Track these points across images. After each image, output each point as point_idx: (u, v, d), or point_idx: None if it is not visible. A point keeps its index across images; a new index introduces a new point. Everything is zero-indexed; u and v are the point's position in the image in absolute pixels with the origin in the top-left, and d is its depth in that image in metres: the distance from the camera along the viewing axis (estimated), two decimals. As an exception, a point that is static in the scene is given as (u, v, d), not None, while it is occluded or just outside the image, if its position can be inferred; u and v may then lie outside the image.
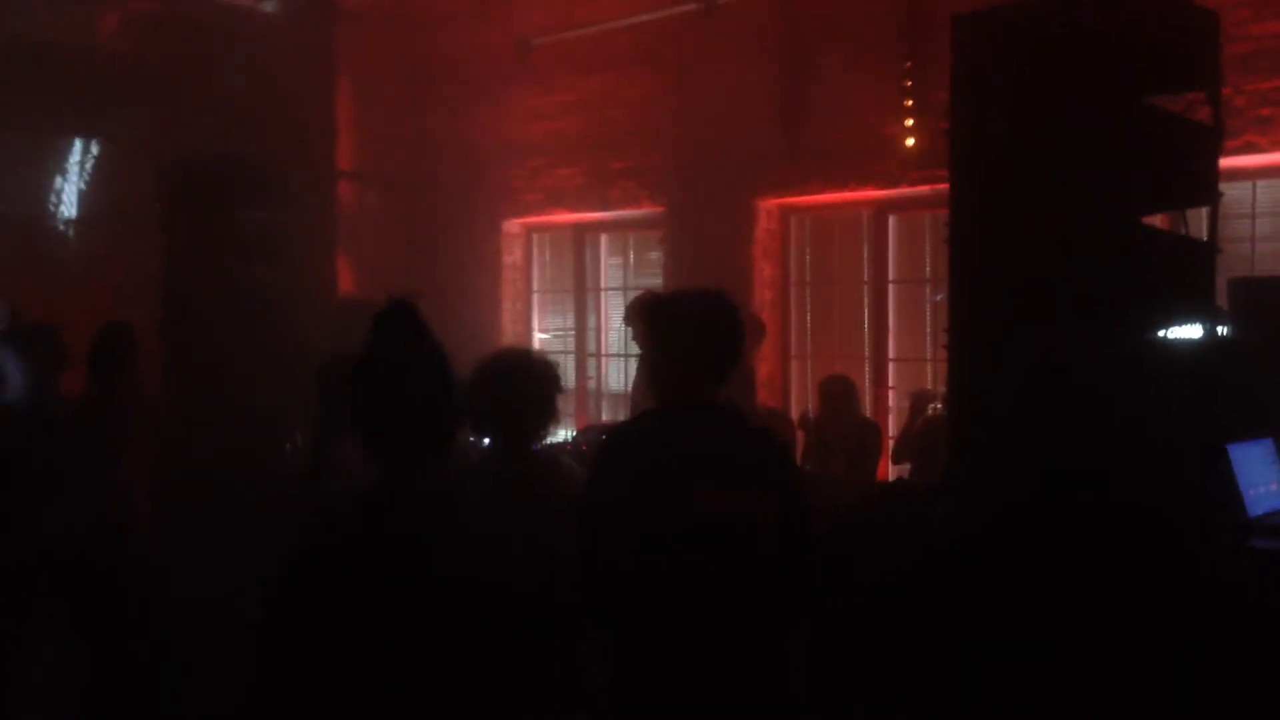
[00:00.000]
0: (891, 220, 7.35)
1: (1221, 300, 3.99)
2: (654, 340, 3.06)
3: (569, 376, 9.26)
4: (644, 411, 3.07)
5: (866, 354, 7.43)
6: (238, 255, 7.42)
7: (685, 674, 2.74)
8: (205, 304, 7.28)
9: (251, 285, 7.41)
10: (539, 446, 3.62)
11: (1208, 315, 3.64)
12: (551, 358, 3.79)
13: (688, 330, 3.00)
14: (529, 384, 3.44)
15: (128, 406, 5.47)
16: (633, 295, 7.36)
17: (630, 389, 7.25)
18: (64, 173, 10.57)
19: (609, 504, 2.84)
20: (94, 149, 10.48)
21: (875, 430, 6.67)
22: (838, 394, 6.45)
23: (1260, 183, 5.77)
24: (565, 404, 3.84)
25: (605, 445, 3.04)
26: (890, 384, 7.33)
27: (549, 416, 3.47)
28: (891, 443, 6.87)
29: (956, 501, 3.70)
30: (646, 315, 3.13)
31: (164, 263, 7.51)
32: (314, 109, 9.57)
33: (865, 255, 7.50)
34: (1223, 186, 3.78)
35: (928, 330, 7.25)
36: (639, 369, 6.89)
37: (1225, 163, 4.08)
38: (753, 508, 2.82)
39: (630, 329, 6.78)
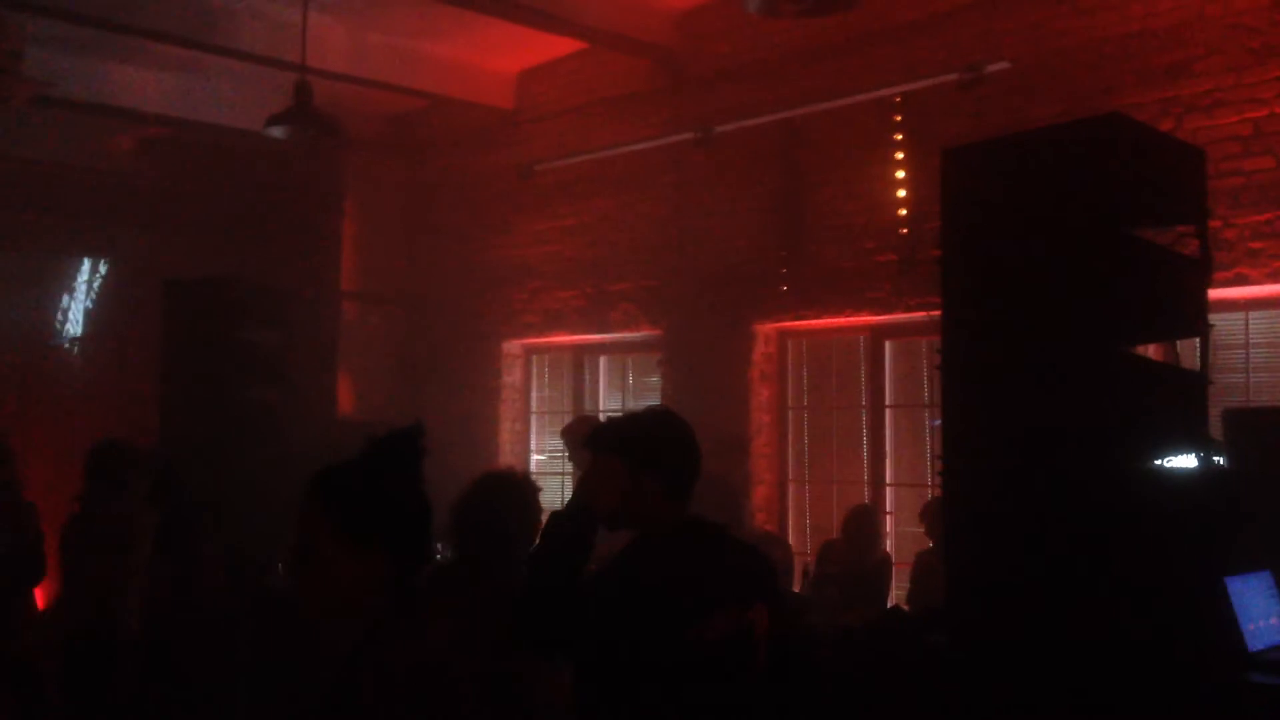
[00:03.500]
0: (888, 345, 7.39)
1: (1216, 431, 3.99)
2: (636, 462, 2.88)
3: (567, 498, 9.21)
4: (646, 537, 2.89)
5: (865, 478, 7.39)
6: (240, 375, 7.48)
7: None
8: (205, 422, 7.31)
9: (253, 404, 7.45)
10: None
11: (1202, 445, 3.63)
12: (535, 478, 3.78)
13: (672, 449, 2.93)
14: (509, 506, 3.42)
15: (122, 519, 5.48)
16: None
17: None
18: (71, 291, 10.70)
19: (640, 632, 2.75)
20: (102, 268, 10.64)
21: (889, 563, 6.58)
22: (862, 526, 6.37)
23: (1253, 313, 5.81)
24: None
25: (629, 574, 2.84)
26: (889, 509, 7.28)
27: (530, 539, 3.45)
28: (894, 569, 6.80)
29: (951, 631, 3.64)
30: (614, 439, 3.02)
31: (164, 381, 7.56)
32: (320, 232, 9.76)
33: (863, 380, 7.52)
34: (1216, 317, 3.81)
35: (927, 455, 7.22)
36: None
37: (1217, 294, 4.13)
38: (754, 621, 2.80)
39: (568, 450, 6.75)
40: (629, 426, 2.99)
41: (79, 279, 10.68)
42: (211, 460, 7.19)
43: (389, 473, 2.21)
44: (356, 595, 2.16)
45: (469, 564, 3.54)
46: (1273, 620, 3.59)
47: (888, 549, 7.03)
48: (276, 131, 6.79)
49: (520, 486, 3.62)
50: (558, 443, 9.40)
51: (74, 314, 10.77)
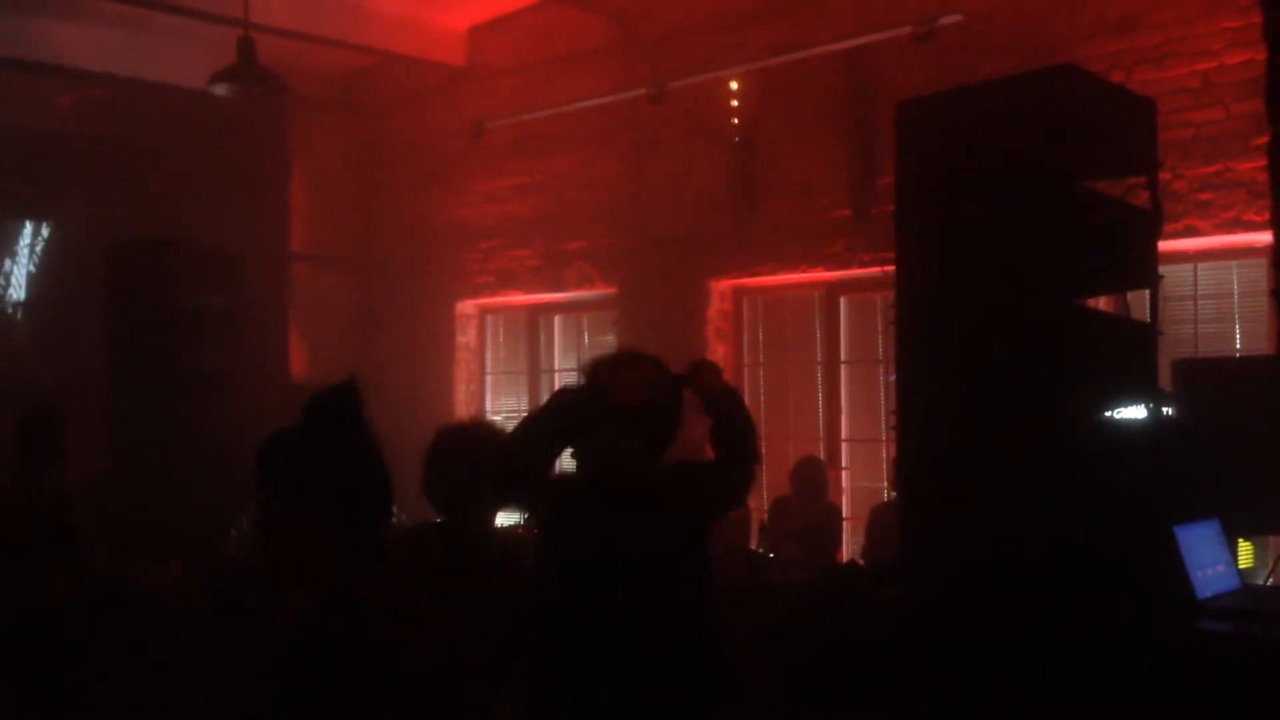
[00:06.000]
0: (843, 301, 7.40)
1: (1166, 381, 4.02)
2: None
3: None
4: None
5: (820, 435, 7.42)
6: (186, 337, 7.37)
7: None
8: (152, 385, 7.19)
9: (202, 369, 7.35)
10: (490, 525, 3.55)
11: (1151, 396, 3.66)
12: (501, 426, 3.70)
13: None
14: (470, 456, 3.34)
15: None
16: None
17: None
18: (13, 255, 10.47)
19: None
20: (44, 232, 10.41)
21: (837, 513, 6.65)
22: (809, 477, 6.43)
23: (1201, 265, 5.86)
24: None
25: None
26: (844, 465, 7.32)
27: (492, 489, 3.37)
28: (848, 525, 6.85)
29: (906, 584, 3.67)
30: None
31: (110, 346, 7.44)
32: (268, 192, 9.60)
33: (818, 336, 7.53)
34: (1164, 269, 3.83)
35: (882, 410, 7.26)
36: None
37: (1166, 246, 4.15)
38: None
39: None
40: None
41: (21, 242, 10.44)
42: (161, 427, 7.10)
43: (328, 434, 2.15)
44: (316, 563, 2.12)
45: (438, 527, 3.48)
46: (1220, 568, 3.64)
47: (843, 503, 7.09)
48: (220, 89, 6.65)
49: (487, 439, 3.55)
50: (513, 402, 9.38)
51: (16, 278, 10.53)
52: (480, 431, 3.56)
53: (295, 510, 2.12)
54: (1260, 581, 4.13)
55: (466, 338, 9.47)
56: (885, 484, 6.89)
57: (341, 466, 2.15)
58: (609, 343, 8.46)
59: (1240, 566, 3.82)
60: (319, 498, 2.12)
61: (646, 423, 3.05)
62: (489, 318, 9.54)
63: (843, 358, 7.41)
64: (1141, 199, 3.78)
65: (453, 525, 3.39)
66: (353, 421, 2.16)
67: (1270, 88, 2.69)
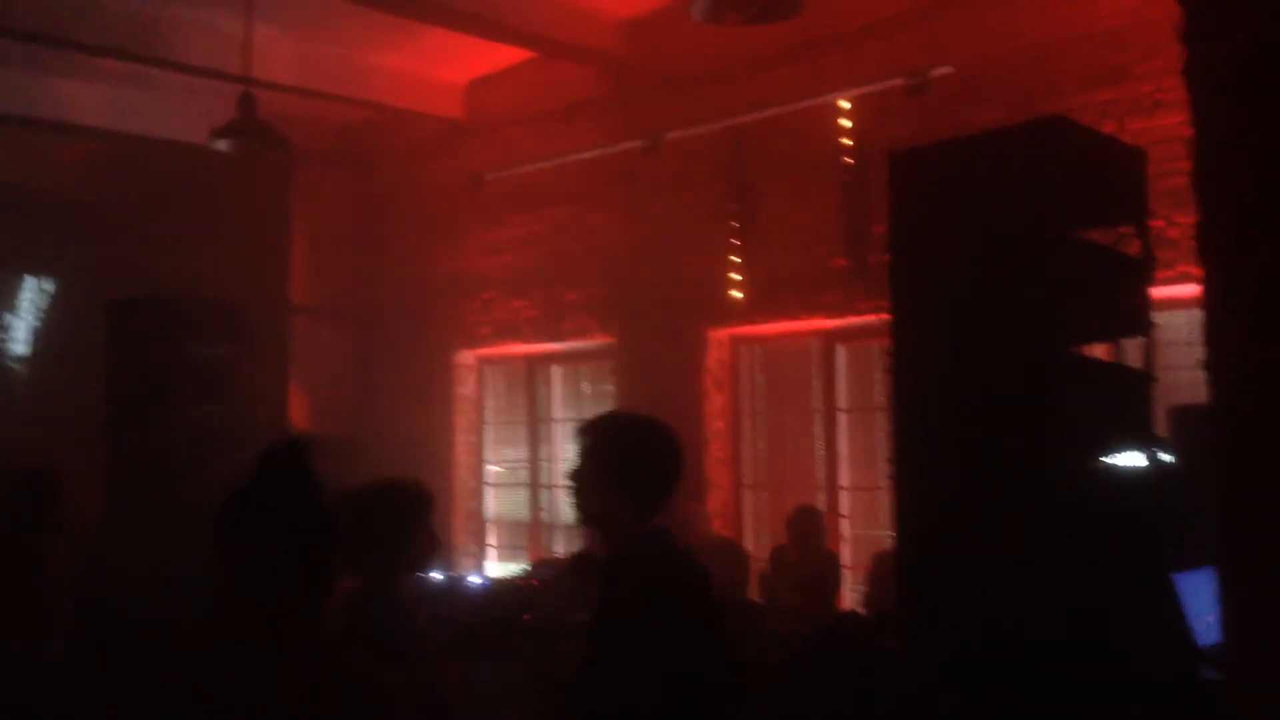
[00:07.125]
0: (840, 349, 7.42)
1: (1164, 428, 4.02)
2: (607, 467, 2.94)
3: (522, 509, 9.17)
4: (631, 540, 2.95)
5: (820, 483, 7.41)
6: (186, 390, 7.38)
7: None
8: (151, 437, 7.20)
9: (201, 421, 7.35)
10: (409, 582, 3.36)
11: (1148, 443, 3.66)
12: (421, 483, 3.40)
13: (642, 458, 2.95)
14: (386, 515, 3.20)
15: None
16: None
17: None
18: (15, 309, 10.51)
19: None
20: (46, 286, 10.47)
21: (835, 561, 6.63)
22: (805, 526, 6.44)
23: (1197, 312, 5.86)
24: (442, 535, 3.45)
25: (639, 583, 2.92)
26: (844, 513, 7.30)
27: (412, 549, 3.24)
28: (848, 573, 6.83)
29: (904, 633, 3.65)
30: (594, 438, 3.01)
31: (108, 400, 7.45)
32: (268, 245, 9.67)
33: (815, 384, 7.54)
34: (1160, 316, 3.85)
35: (880, 459, 7.24)
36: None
37: (1162, 292, 4.17)
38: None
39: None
40: (605, 441, 2.99)
41: (22, 296, 10.50)
42: (159, 479, 7.10)
43: (276, 492, 2.13)
44: (264, 622, 2.10)
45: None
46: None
47: (843, 551, 7.07)
48: (221, 145, 6.70)
49: (394, 495, 3.31)
50: (512, 452, 9.37)
51: (19, 333, 10.57)
52: (402, 490, 3.34)
53: (244, 569, 2.11)
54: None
55: (466, 388, 9.48)
56: (885, 531, 6.87)
57: (288, 525, 2.13)
58: (608, 392, 8.47)
59: (1241, 614, 3.80)
60: (267, 557, 2.11)
61: None
62: (488, 368, 9.56)
63: (841, 406, 7.42)
64: (1134, 247, 3.80)
65: (368, 588, 3.19)
66: (301, 478, 2.14)
67: (1197, 177, 2.68)
